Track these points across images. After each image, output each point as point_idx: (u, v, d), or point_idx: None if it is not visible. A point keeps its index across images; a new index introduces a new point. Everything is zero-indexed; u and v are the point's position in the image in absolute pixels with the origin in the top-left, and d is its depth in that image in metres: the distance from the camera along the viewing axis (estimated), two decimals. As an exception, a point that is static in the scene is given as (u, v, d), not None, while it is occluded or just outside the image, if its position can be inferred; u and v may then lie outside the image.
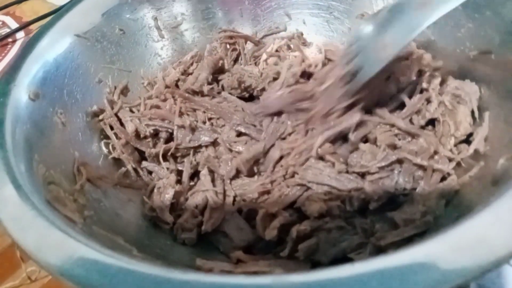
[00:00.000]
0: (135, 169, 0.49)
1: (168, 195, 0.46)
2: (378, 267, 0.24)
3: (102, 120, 0.50)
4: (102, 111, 0.50)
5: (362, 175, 0.44)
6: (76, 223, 0.33)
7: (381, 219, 0.41)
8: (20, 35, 0.82)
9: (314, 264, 0.39)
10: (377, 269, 0.24)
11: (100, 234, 0.34)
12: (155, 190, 0.48)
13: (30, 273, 0.47)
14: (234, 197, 0.47)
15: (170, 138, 0.50)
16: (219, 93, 0.54)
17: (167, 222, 0.45)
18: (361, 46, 0.43)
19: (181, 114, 0.51)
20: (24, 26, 0.82)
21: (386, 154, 0.42)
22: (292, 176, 0.45)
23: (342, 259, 0.39)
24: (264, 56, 0.57)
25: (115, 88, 0.53)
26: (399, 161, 0.42)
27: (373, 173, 0.43)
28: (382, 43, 0.41)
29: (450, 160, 0.42)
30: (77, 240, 0.29)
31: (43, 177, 0.37)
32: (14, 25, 0.84)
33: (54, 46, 0.49)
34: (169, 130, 0.50)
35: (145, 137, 0.50)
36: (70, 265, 0.27)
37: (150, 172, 0.50)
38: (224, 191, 0.48)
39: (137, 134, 0.50)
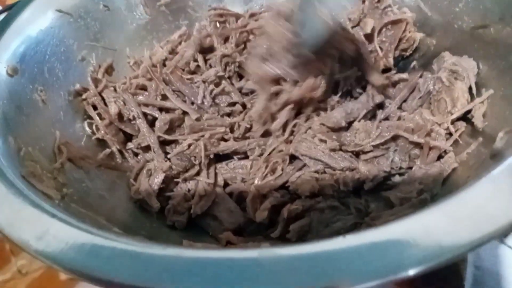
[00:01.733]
0: (120, 151, 0.47)
1: (158, 179, 0.44)
2: (371, 239, 0.23)
3: (85, 99, 0.47)
4: (85, 90, 0.48)
5: (357, 155, 0.42)
6: (53, 199, 0.31)
7: (376, 198, 0.40)
8: (4, 17, 0.80)
9: None
10: (370, 242, 0.22)
11: (80, 212, 0.33)
12: (144, 172, 0.46)
13: (21, 267, 0.46)
14: (225, 180, 0.46)
15: (154, 121, 0.48)
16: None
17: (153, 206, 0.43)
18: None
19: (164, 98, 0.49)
20: (7, 9, 0.79)
21: (380, 131, 0.41)
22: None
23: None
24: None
25: (100, 66, 0.51)
26: (394, 139, 0.41)
27: (367, 152, 0.41)
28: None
29: (448, 138, 0.40)
30: (52, 215, 0.27)
31: (19, 153, 0.35)
32: (-2, 7, 0.81)
33: (35, 21, 0.46)
34: (153, 114, 0.48)
35: (129, 120, 0.48)
36: (44, 241, 0.25)
37: (136, 154, 0.48)
38: (216, 174, 0.46)
39: (120, 116, 0.47)
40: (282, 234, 0.39)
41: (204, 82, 0.48)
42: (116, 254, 0.24)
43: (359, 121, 0.44)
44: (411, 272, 0.21)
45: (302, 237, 0.38)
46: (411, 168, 0.40)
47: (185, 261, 0.23)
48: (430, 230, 0.22)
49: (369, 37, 0.50)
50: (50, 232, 0.26)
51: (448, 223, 0.23)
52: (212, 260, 0.23)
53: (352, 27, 0.50)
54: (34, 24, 0.46)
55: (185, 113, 0.48)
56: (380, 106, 0.46)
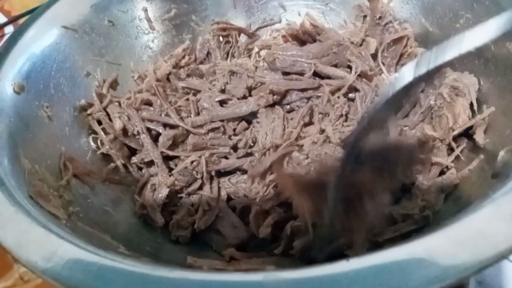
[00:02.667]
0: (124, 165, 0.48)
1: (162, 194, 0.45)
2: (375, 262, 0.23)
3: (90, 114, 0.48)
4: (90, 105, 0.48)
5: None
6: (60, 219, 0.31)
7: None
8: (9, 29, 0.80)
9: (310, 261, 0.38)
10: (373, 265, 0.23)
11: (85, 231, 0.33)
12: (148, 187, 0.46)
13: (23, 274, 0.45)
14: (228, 195, 0.46)
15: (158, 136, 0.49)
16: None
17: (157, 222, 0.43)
18: None
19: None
20: (12, 20, 0.80)
21: None
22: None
23: (339, 256, 0.37)
24: (255, 49, 0.56)
25: (104, 81, 0.52)
26: None
27: None
28: None
29: (449, 153, 0.41)
30: (60, 236, 0.28)
31: (27, 172, 0.35)
32: (2, 19, 0.82)
33: (41, 38, 0.47)
34: (157, 130, 0.49)
35: (133, 135, 0.49)
36: (52, 263, 0.26)
37: (140, 168, 0.49)
38: (219, 188, 0.46)
39: (125, 131, 0.48)
40: (285, 250, 0.39)
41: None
42: (123, 276, 0.24)
43: None
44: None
45: (305, 253, 0.39)
46: (413, 183, 0.40)
47: (191, 284, 0.23)
48: (433, 254, 0.23)
49: (373, 56, 0.50)
50: (58, 253, 0.26)
51: (451, 246, 0.23)
52: (217, 283, 0.23)
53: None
54: (39, 41, 0.46)
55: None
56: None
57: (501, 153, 0.33)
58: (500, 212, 0.25)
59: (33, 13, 0.48)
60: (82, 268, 0.25)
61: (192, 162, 0.45)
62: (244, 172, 0.47)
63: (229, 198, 0.46)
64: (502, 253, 0.23)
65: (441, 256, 0.23)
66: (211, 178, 0.46)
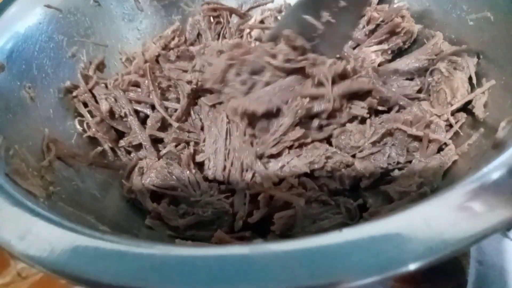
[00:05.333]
0: (112, 148, 0.46)
1: (150, 178, 0.43)
2: (370, 233, 0.21)
3: (76, 96, 0.46)
4: (76, 87, 0.47)
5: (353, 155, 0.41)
6: (37, 198, 0.30)
7: (375, 193, 0.38)
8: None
9: None
10: (368, 236, 0.21)
11: (66, 210, 0.31)
12: (136, 171, 0.45)
13: (21, 270, 0.44)
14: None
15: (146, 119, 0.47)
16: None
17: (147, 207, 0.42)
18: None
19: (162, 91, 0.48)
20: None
21: (374, 129, 0.40)
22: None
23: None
24: (247, 30, 0.54)
25: (90, 63, 0.50)
26: (391, 133, 0.40)
27: (362, 150, 0.40)
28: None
29: (448, 129, 0.39)
30: (35, 214, 0.26)
31: (4, 150, 0.33)
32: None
33: (23, 17, 0.45)
34: (145, 112, 0.47)
35: (121, 117, 0.47)
36: (26, 241, 0.24)
37: (128, 152, 0.47)
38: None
39: (111, 113, 0.46)
40: (267, 226, 0.38)
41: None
42: (101, 253, 0.23)
43: None
44: (412, 267, 0.20)
45: (287, 231, 0.37)
46: (410, 162, 0.39)
47: (174, 260, 0.22)
48: (431, 222, 0.21)
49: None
50: (32, 231, 0.25)
51: (449, 215, 0.22)
52: (201, 258, 0.21)
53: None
54: (21, 20, 0.45)
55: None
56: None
57: (502, 124, 0.31)
58: (500, 179, 0.23)
59: (14, -9, 0.46)
60: (58, 246, 0.23)
61: (176, 145, 0.43)
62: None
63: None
64: (503, 222, 0.21)
65: (440, 225, 0.21)
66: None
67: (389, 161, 0.40)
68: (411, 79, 0.44)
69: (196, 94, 0.47)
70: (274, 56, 0.40)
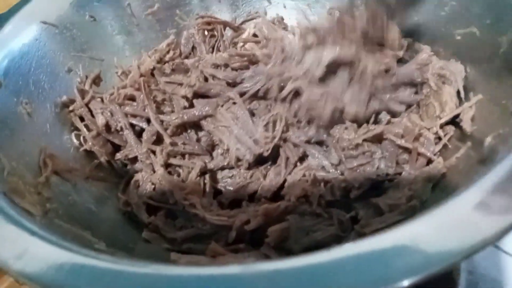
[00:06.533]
0: (108, 162, 0.47)
1: (146, 191, 0.44)
2: (356, 252, 0.22)
3: (72, 111, 0.47)
4: (72, 101, 0.47)
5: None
6: (34, 216, 0.30)
7: (365, 205, 0.39)
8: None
9: (288, 253, 0.37)
10: (355, 254, 0.22)
11: (62, 227, 0.32)
12: (132, 183, 0.46)
13: None
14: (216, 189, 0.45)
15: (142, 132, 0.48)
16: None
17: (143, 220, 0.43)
18: None
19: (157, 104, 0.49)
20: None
21: (367, 130, 0.41)
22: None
23: (316, 248, 0.37)
24: (240, 44, 0.55)
25: (87, 77, 0.50)
26: (381, 137, 0.40)
27: (352, 158, 0.41)
28: None
29: (437, 142, 0.40)
30: (32, 233, 0.27)
31: (2, 168, 0.34)
32: (-14, 19, 0.81)
33: (19, 34, 0.46)
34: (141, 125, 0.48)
35: (117, 131, 0.48)
36: (23, 260, 0.25)
37: (124, 165, 0.48)
38: (204, 184, 0.45)
39: (108, 127, 0.47)
40: (261, 239, 0.38)
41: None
42: (97, 273, 0.23)
43: None
44: (399, 285, 0.21)
45: (281, 243, 0.38)
46: (400, 174, 0.40)
47: (166, 279, 0.22)
48: (418, 241, 0.22)
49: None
50: (29, 251, 0.25)
51: (436, 233, 0.22)
52: (194, 277, 0.22)
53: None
54: (18, 37, 0.46)
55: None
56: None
57: (488, 139, 0.32)
58: (485, 197, 0.24)
59: (10, 9, 0.47)
60: (54, 265, 0.24)
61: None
62: (231, 168, 0.46)
63: (216, 193, 0.46)
64: (488, 240, 0.22)
65: (425, 244, 0.22)
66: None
67: (378, 172, 0.40)
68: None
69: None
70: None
